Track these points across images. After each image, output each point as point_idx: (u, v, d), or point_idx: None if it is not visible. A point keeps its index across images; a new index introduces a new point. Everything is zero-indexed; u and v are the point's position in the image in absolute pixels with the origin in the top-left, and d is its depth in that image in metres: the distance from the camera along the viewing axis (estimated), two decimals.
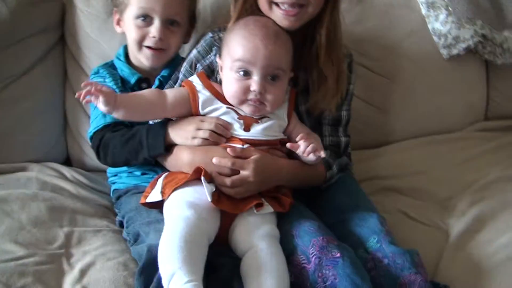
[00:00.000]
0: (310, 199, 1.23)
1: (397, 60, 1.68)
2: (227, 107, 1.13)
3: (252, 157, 1.08)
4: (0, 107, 1.39)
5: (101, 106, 1.04)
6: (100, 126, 1.22)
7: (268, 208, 1.06)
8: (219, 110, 1.13)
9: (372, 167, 1.56)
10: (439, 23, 1.69)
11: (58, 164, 1.44)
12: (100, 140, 1.21)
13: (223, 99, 1.14)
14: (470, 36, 1.69)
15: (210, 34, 1.25)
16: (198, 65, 1.24)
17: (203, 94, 1.14)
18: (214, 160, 1.06)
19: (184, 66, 1.26)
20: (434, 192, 1.44)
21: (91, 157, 1.47)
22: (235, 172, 1.06)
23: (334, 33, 1.19)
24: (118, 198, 1.27)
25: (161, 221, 1.06)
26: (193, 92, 1.14)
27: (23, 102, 1.42)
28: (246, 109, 1.12)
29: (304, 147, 1.09)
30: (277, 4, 1.13)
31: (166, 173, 1.14)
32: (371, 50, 1.63)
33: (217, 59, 1.18)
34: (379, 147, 1.67)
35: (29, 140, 1.44)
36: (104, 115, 1.22)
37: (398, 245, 1.06)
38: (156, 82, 1.30)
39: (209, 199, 1.00)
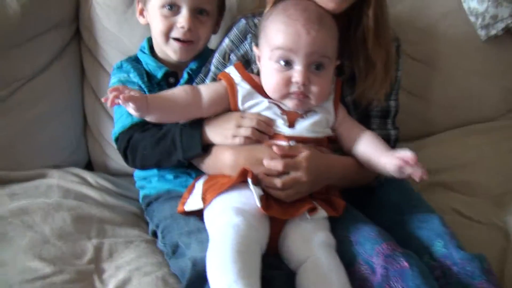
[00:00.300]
0: (359, 199, 1.12)
1: (434, 43, 1.58)
2: (269, 101, 1.02)
3: (303, 155, 0.98)
4: (15, 110, 1.28)
5: (131, 111, 0.95)
6: (127, 126, 1.12)
7: (321, 213, 0.96)
8: (260, 104, 1.02)
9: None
10: (475, 2, 1.58)
11: (79, 169, 1.33)
12: (128, 141, 1.10)
13: (264, 93, 1.03)
14: (508, 14, 1.57)
15: (243, 20, 1.14)
16: (232, 55, 1.13)
17: (242, 87, 1.03)
18: (265, 162, 0.96)
19: (216, 57, 1.15)
20: (485, 186, 1.33)
21: (115, 160, 1.38)
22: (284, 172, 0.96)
23: (381, 13, 1.08)
24: (149, 204, 1.17)
25: (202, 230, 0.96)
26: (232, 85, 1.03)
27: (39, 103, 1.31)
28: (289, 104, 1.01)
29: (414, 170, 0.95)
30: None
31: (205, 177, 1.04)
32: (408, 33, 1.50)
33: (254, 49, 1.07)
34: (419, 138, 1.58)
35: (47, 144, 1.33)
36: (131, 114, 1.11)
37: (464, 249, 0.95)
38: (185, 76, 1.19)
39: (258, 205, 0.90)
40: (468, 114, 1.63)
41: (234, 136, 1.00)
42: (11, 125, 1.27)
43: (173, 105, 1.02)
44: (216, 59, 1.14)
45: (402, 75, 1.20)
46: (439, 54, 1.58)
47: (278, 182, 0.95)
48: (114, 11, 1.32)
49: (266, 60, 1.01)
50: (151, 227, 1.12)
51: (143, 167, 1.14)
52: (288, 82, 0.98)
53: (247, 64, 1.11)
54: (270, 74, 1.00)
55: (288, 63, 0.98)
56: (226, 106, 1.04)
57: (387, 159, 0.98)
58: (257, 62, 1.06)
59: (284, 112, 1.02)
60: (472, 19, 1.60)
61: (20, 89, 1.28)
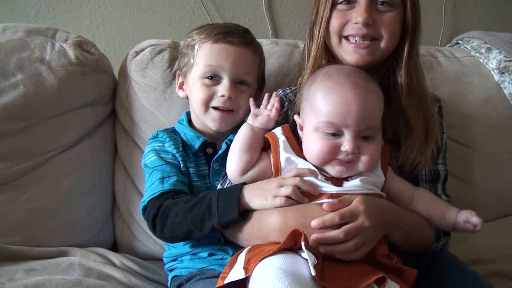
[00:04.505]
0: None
1: (479, 127, 1.54)
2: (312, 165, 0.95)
3: (357, 199, 0.89)
4: (42, 183, 1.21)
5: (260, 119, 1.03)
6: (157, 193, 1.04)
7: (393, 286, 0.80)
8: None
9: (468, 249, 1.32)
10: None
11: (104, 249, 1.22)
12: (158, 208, 1.00)
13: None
14: None
15: (280, 90, 1.13)
16: None
17: (285, 145, 0.98)
18: (317, 220, 0.85)
19: None
20: None
21: (143, 243, 1.29)
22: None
23: (416, 73, 1.06)
24: (179, 286, 1.04)
25: None
26: (275, 141, 0.98)
27: (67, 178, 1.24)
28: (330, 170, 0.94)
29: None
30: (347, 38, 1.03)
31: (248, 248, 0.91)
32: (450, 118, 1.45)
33: (295, 118, 1.02)
34: None
35: (72, 221, 1.25)
36: (162, 182, 1.05)
37: None
38: (223, 146, 1.14)
39: (313, 273, 0.76)
40: None
41: (275, 197, 0.91)
42: (37, 198, 1.19)
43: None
44: None
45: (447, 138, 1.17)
46: (484, 138, 1.54)
47: (340, 232, 0.84)
48: (154, 90, 1.30)
49: (311, 130, 0.95)
50: None
51: (171, 238, 1.02)
52: (335, 150, 0.92)
53: None
54: (315, 141, 0.94)
55: (336, 134, 0.92)
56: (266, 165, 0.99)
57: (459, 218, 0.98)
58: (299, 130, 1.01)
59: (328, 178, 0.94)
60: None
61: (49, 161, 1.22)
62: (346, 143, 0.91)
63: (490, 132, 1.54)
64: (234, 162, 1.00)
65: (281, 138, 0.98)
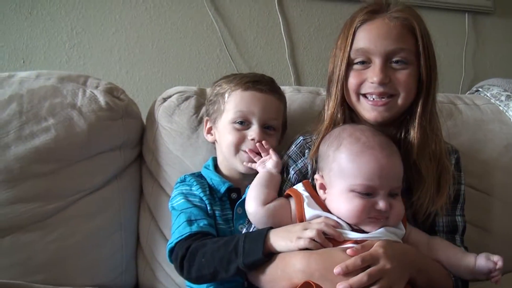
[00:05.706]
0: None
1: (498, 175, 1.53)
2: (337, 217, 0.97)
3: (377, 244, 0.91)
4: (70, 223, 1.24)
5: (269, 164, 1.11)
6: (185, 235, 1.07)
7: None
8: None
9: None
10: None
11: None
12: (186, 249, 1.03)
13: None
14: None
15: (301, 138, 1.18)
16: (290, 169, 1.14)
17: (310, 201, 1.00)
18: (340, 266, 0.86)
19: None
20: None
21: (164, 284, 1.31)
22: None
23: (430, 125, 1.08)
24: None
25: None
26: (298, 196, 1.00)
27: (94, 219, 1.28)
28: (365, 227, 0.96)
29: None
30: (365, 96, 1.07)
31: None
32: (469, 165, 1.47)
33: (316, 177, 1.04)
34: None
35: (97, 261, 1.27)
36: (190, 224, 1.08)
37: None
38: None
39: None
40: None
41: (299, 238, 0.93)
42: (64, 238, 1.23)
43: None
44: None
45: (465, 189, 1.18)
46: (504, 185, 1.53)
47: (363, 275, 0.85)
48: (180, 136, 1.35)
49: (343, 190, 0.96)
50: None
51: (197, 279, 1.04)
52: (370, 208, 0.95)
53: (304, 178, 1.12)
54: (349, 201, 0.96)
55: (370, 194, 0.95)
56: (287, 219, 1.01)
57: (479, 260, 0.99)
58: (319, 189, 1.03)
59: (353, 230, 0.96)
60: None
61: (77, 202, 1.26)
62: (381, 203, 0.94)
63: (511, 180, 1.52)
64: (254, 194, 1.04)
65: (305, 194, 1.01)
